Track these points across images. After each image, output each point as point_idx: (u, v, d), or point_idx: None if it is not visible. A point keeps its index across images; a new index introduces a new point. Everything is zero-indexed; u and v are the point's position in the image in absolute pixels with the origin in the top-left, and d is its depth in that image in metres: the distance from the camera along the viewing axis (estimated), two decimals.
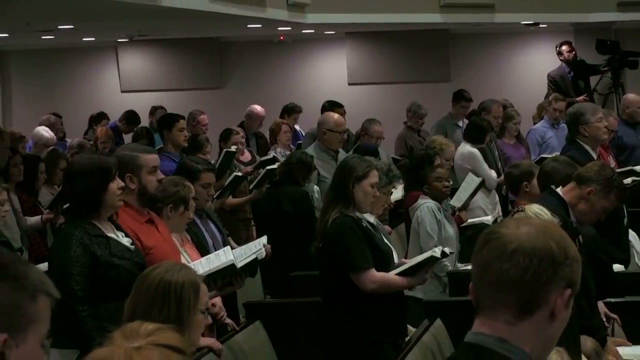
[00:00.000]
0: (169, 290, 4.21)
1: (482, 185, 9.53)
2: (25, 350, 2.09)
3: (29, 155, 10.54)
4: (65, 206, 8.70)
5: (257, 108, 13.74)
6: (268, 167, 9.77)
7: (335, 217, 6.28)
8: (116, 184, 5.43)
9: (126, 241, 5.46)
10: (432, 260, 6.37)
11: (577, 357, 5.14)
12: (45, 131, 12.37)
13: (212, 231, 7.25)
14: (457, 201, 9.25)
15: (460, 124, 12.88)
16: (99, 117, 15.75)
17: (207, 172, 7.26)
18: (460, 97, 13.30)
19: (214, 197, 8.83)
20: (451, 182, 8.68)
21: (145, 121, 15.54)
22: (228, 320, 6.56)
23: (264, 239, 6.49)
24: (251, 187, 10.01)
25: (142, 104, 16.94)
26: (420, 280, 6.50)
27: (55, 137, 12.49)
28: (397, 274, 6.30)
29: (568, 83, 14.79)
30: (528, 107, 14.39)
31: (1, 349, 2.05)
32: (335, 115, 10.26)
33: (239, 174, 9.71)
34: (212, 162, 8.73)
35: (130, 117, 15.19)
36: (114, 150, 9.26)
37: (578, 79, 14.96)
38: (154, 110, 16.00)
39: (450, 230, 8.13)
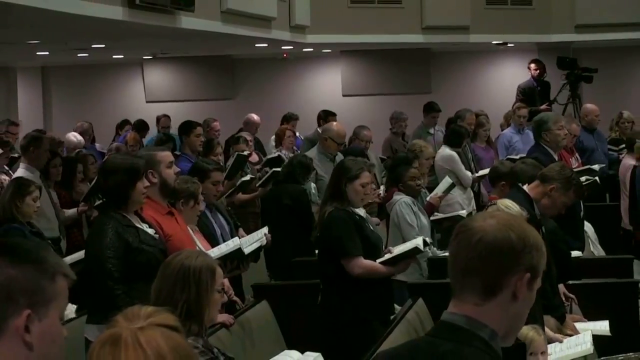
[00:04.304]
0: (189, 274, 4.22)
1: (453, 187, 9.40)
2: (46, 323, 2.12)
3: (68, 157, 10.57)
4: (96, 203, 8.71)
5: (254, 116, 13.68)
6: (274, 169, 9.77)
7: (331, 210, 6.30)
8: (143, 183, 5.44)
9: (150, 231, 5.47)
10: (416, 251, 6.37)
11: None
12: (73, 136, 12.51)
13: (220, 223, 7.28)
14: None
15: (432, 131, 12.85)
16: (123, 124, 15.96)
17: (216, 172, 7.30)
18: (430, 108, 13.19)
19: (225, 195, 8.85)
20: (422, 181, 8.64)
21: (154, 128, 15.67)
22: (236, 298, 6.58)
23: (265, 230, 6.52)
24: (257, 185, 10.01)
25: (164, 112, 16.92)
26: (401, 269, 6.49)
27: (83, 141, 12.58)
28: (382, 262, 6.30)
29: (535, 94, 14.80)
30: (497, 116, 14.37)
31: (26, 322, 2.08)
32: (340, 127, 10.20)
33: (247, 178, 9.67)
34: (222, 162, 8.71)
35: (140, 125, 15.28)
36: None
37: (543, 96, 14.96)
38: (159, 118, 16.16)
39: (424, 220, 8.09)
